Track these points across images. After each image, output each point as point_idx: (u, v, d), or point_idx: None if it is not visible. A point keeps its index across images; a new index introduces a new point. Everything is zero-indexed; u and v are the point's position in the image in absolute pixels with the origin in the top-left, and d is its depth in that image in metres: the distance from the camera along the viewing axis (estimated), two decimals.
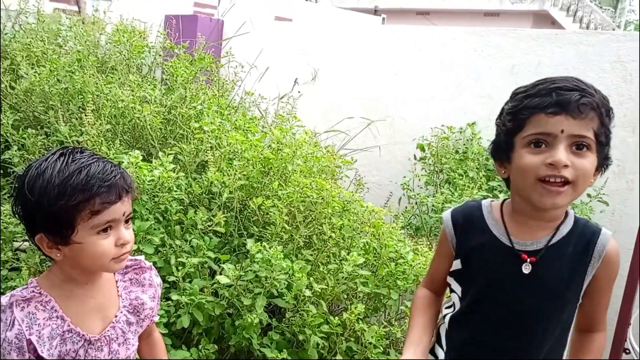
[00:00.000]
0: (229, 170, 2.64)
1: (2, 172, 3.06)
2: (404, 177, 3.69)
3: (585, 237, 1.41)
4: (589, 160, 1.31)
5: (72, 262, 1.30)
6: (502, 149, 1.42)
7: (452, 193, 3.35)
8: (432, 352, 1.61)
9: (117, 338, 1.40)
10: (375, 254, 2.69)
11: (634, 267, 2.66)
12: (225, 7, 5.00)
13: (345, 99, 4.40)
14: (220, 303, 2.31)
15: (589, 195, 3.37)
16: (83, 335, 1.32)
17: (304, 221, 2.66)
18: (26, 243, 2.58)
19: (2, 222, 2.50)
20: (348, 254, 2.55)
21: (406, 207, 3.61)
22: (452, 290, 1.57)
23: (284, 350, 2.37)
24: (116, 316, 1.40)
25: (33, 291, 1.29)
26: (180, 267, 2.34)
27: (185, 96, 3.11)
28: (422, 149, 3.78)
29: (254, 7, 5.76)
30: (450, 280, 1.58)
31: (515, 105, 1.38)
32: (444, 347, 1.58)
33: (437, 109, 4.01)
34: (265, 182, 2.73)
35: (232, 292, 2.32)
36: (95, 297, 1.37)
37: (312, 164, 2.89)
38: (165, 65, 3.35)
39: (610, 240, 1.41)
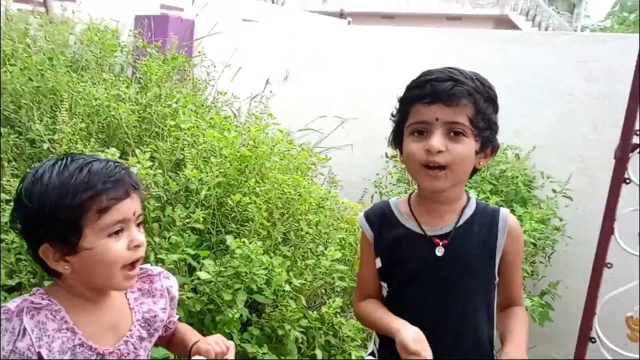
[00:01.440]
0: (206, 168, 2.65)
1: None
2: (377, 174, 3.76)
3: (487, 216, 1.53)
4: (465, 145, 1.40)
5: (82, 274, 1.20)
6: (396, 138, 1.54)
7: None
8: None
9: (128, 354, 1.31)
10: (350, 249, 2.74)
11: (598, 259, 2.77)
12: (194, 8, 5.00)
13: (318, 99, 4.44)
14: (201, 299, 2.32)
15: (554, 191, 3.49)
16: (96, 349, 1.23)
17: (281, 217, 2.69)
18: None
19: None
20: (325, 249, 2.59)
21: None
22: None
23: (265, 345, 2.39)
24: (130, 330, 1.32)
25: (43, 298, 1.18)
26: (159, 264, 2.34)
27: (160, 94, 3.11)
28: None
29: (221, 8, 5.76)
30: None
31: (402, 97, 1.52)
32: (376, 344, 1.64)
33: None
34: (241, 180, 2.75)
35: (212, 288, 2.33)
36: (108, 312, 1.29)
37: (287, 161, 2.93)
38: (139, 63, 3.35)
39: (509, 216, 1.54)
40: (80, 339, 1.20)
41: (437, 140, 1.38)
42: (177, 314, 1.49)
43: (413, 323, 1.51)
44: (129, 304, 1.35)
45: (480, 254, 1.51)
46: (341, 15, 17.27)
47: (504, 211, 1.55)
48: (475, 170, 1.52)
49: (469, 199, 1.56)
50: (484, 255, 1.51)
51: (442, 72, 1.43)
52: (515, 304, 1.58)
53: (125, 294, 1.35)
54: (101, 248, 1.17)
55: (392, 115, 1.55)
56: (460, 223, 1.51)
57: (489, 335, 1.58)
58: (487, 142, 1.46)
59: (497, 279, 1.54)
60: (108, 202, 1.16)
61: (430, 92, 1.41)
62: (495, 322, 1.59)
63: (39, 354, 1.14)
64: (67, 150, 2.64)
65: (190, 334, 1.49)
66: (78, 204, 1.13)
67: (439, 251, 1.49)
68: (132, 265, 1.24)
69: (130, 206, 1.20)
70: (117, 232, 1.18)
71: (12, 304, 1.16)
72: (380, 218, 1.59)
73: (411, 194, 1.60)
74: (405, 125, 1.48)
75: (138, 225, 1.23)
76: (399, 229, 1.54)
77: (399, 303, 1.56)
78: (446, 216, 1.52)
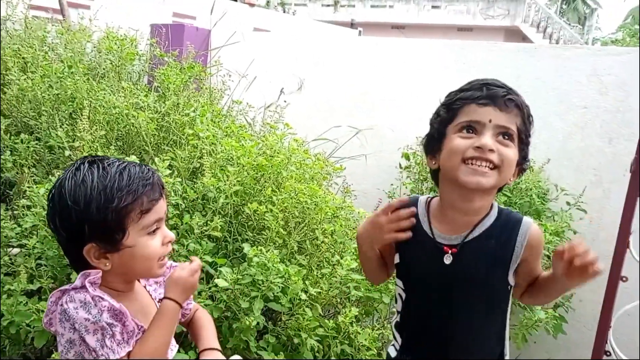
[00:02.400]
0: (224, 176, 2.68)
1: None
2: (391, 184, 3.78)
3: (508, 227, 1.51)
4: (513, 151, 1.44)
5: (121, 269, 1.28)
6: (434, 139, 1.53)
7: None
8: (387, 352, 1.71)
9: None
10: None
11: (613, 272, 2.77)
12: (208, 17, 5.05)
13: (331, 109, 4.48)
14: (218, 306, 2.34)
15: (568, 203, 3.49)
16: (142, 327, 1.31)
17: (297, 226, 2.71)
18: (16, 250, 2.57)
19: None
20: (341, 258, 2.61)
21: None
22: (395, 284, 1.66)
23: (281, 353, 2.41)
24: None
25: (97, 274, 1.26)
26: None
27: (178, 103, 3.15)
28: (407, 158, 3.86)
29: (234, 17, 5.83)
30: (395, 275, 1.67)
31: (449, 99, 1.53)
32: (398, 340, 1.66)
33: (421, 118, 4.11)
34: (258, 188, 2.78)
35: (230, 295, 2.35)
36: (137, 301, 1.38)
37: (303, 170, 2.95)
38: (157, 72, 3.39)
39: (531, 227, 1.51)
40: (130, 318, 1.28)
41: (489, 139, 1.42)
42: (192, 301, 1.56)
43: (419, 328, 1.57)
44: (150, 295, 1.44)
45: (492, 268, 1.49)
46: (352, 25, 17.37)
47: (526, 222, 1.51)
48: (503, 186, 1.53)
49: (491, 208, 1.54)
50: (495, 268, 1.49)
51: (496, 80, 1.49)
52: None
53: (145, 286, 1.44)
54: (142, 245, 1.26)
55: (437, 116, 1.55)
56: (475, 234, 1.50)
57: (498, 352, 1.58)
58: (524, 158, 1.50)
59: (510, 288, 1.53)
60: (149, 204, 1.25)
61: (486, 94, 1.45)
62: (507, 341, 1.59)
63: (120, 309, 1.24)
64: None
65: (204, 332, 1.56)
66: (123, 207, 1.21)
67: (447, 259, 1.50)
68: (164, 259, 1.34)
69: (163, 206, 1.30)
70: (154, 230, 1.28)
71: (60, 292, 1.24)
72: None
73: (434, 197, 1.61)
74: (451, 124, 1.49)
75: (166, 222, 1.34)
76: (416, 229, 1.54)
77: (410, 305, 1.60)
78: (463, 227, 1.51)
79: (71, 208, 1.20)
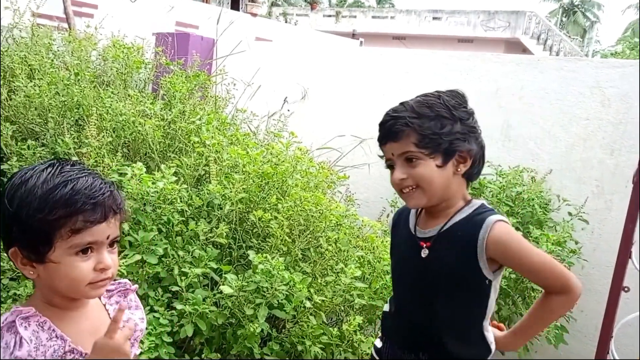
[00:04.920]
0: (229, 184, 2.70)
1: None
2: (394, 193, 3.79)
3: (475, 221, 1.58)
4: (421, 167, 1.56)
5: (47, 282, 1.19)
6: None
7: None
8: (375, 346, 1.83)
9: None
10: (369, 267, 2.77)
11: (615, 282, 2.78)
12: (210, 26, 5.09)
13: (335, 118, 4.50)
14: (223, 313, 2.36)
15: (570, 214, 3.50)
16: (85, 354, 1.21)
17: (301, 234, 2.73)
18: None
19: None
20: (345, 266, 2.62)
21: None
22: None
23: None
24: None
25: (29, 311, 1.17)
26: (183, 278, 2.38)
27: (184, 111, 3.18)
28: None
29: (236, 27, 5.87)
30: None
31: None
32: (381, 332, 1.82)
33: None
34: (263, 196, 2.80)
35: (234, 302, 2.36)
36: (88, 320, 1.28)
37: (307, 179, 2.97)
38: (163, 80, 3.41)
39: (494, 226, 1.55)
40: (70, 345, 1.20)
41: (397, 171, 1.58)
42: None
43: (397, 317, 1.71)
44: (109, 314, 1.34)
45: (460, 260, 1.57)
46: (353, 35, 17.48)
47: (491, 220, 1.56)
48: (469, 176, 1.63)
49: (468, 204, 1.63)
50: (463, 262, 1.56)
51: (388, 113, 1.63)
52: (551, 292, 1.59)
53: (104, 305, 1.35)
54: (67, 264, 1.16)
55: None
56: (445, 227, 1.61)
57: (479, 346, 1.64)
58: (450, 152, 1.57)
59: (489, 283, 1.59)
60: (82, 224, 1.15)
61: (381, 135, 1.62)
62: (475, 341, 1.64)
63: None
64: (94, 164, 2.70)
65: None
66: (53, 220, 1.13)
67: (424, 253, 1.62)
68: (97, 283, 1.22)
69: (105, 230, 1.19)
70: (85, 251, 1.17)
71: (2, 317, 1.15)
72: (399, 216, 1.77)
73: None
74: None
75: (112, 245, 1.22)
76: (405, 229, 1.70)
77: (393, 298, 1.77)
78: (437, 220, 1.63)
79: (4, 206, 1.14)
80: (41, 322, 1.18)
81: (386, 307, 1.82)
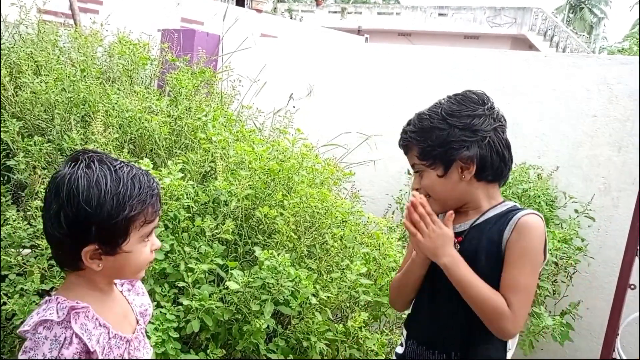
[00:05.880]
0: (235, 180, 2.70)
1: (2, 179, 3.08)
2: (400, 190, 3.79)
3: (506, 216, 1.61)
4: (426, 178, 1.66)
5: (111, 271, 1.29)
6: None
7: None
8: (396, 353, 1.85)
9: (142, 339, 1.43)
10: (375, 263, 2.77)
11: (622, 280, 2.78)
12: (215, 22, 5.09)
13: (341, 114, 4.50)
14: (229, 309, 2.36)
15: (576, 211, 3.50)
16: (125, 337, 1.34)
17: (307, 231, 2.73)
18: (27, 250, 2.60)
19: (10, 227, 2.52)
20: (351, 262, 2.62)
21: (400, 220, 3.70)
22: None
23: (290, 355, 2.42)
24: (137, 320, 1.44)
25: (79, 305, 1.26)
26: (189, 274, 2.38)
27: (190, 107, 3.18)
28: None
29: (241, 23, 5.88)
30: None
31: None
32: (403, 335, 1.83)
33: None
34: (269, 192, 2.80)
35: (240, 298, 2.37)
36: (119, 303, 1.40)
37: (312, 175, 2.97)
38: (169, 77, 3.42)
39: (525, 215, 1.59)
40: (112, 332, 1.30)
41: (414, 182, 1.72)
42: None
43: (424, 316, 1.73)
44: (127, 300, 1.45)
45: (488, 252, 1.59)
46: (359, 32, 17.44)
47: (523, 212, 1.60)
48: (492, 178, 1.66)
49: (501, 204, 1.67)
50: (490, 257, 1.58)
51: (405, 126, 1.73)
52: (503, 307, 1.54)
53: (121, 292, 1.45)
54: (137, 251, 1.29)
55: None
56: (477, 222, 1.64)
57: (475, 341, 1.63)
58: (448, 161, 1.62)
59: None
60: (153, 215, 1.29)
61: (401, 145, 1.75)
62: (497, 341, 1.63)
63: (94, 353, 1.23)
64: None
65: None
66: (132, 215, 1.24)
67: (456, 246, 1.63)
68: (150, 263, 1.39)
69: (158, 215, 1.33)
70: (146, 237, 1.31)
71: (47, 312, 1.22)
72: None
73: None
74: None
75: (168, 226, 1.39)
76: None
77: (420, 297, 1.76)
78: (468, 216, 1.67)
79: (82, 208, 1.20)
80: (86, 312, 1.27)
81: (408, 312, 1.84)
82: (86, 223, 1.21)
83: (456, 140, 1.60)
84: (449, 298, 1.62)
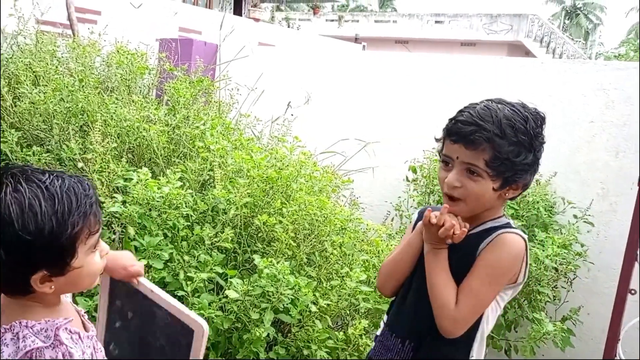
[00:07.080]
0: (234, 188, 2.70)
1: None
2: (399, 197, 3.79)
3: (487, 234, 1.61)
4: (479, 185, 1.54)
5: (64, 288, 1.24)
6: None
7: None
8: None
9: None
10: (375, 270, 2.77)
11: (622, 285, 2.77)
12: (213, 32, 5.11)
13: (339, 122, 4.51)
14: (229, 317, 2.36)
15: (575, 216, 3.50)
16: (90, 335, 1.30)
17: (306, 238, 2.73)
18: None
19: None
20: (351, 270, 2.62)
21: (400, 227, 3.70)
22: None
23: None
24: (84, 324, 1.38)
25: (60, 321, 1.22)
26: (189, 282, 2.38)
27: (188, 116, 3.19)
28: (414, 171, 3.88)
29: (239, 32, 5.91)
30: None
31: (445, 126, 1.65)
32: (383, 320, 1.86)
33: (428, 132, 4.14)
34: (267, 200, 2.80)
35: (240, 306, 2.36)
36: (69, 306, 1.35)
37: (311, 183, 2.98)
38: (167, 86, 3.43)
39: (505, 233, 1.59)
40: (82, 334, 1.26)
41: (453, 176, 1.56)
42: None
43: (400, 304, 1.75)
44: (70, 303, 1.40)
45: (460, 265, 1.59)
46: (356, 40, 17.50)
47: (506, 230, 1.60)
48: (512, 198, 1.64)
49: (497, 219, 1.65)
50: (463, 268, 1.58)
51: (471, 115, 1.55)
52: (451, 307, 1.58)
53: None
54: (88, 264, 1.23)
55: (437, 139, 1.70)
56: (473, 232, 1.61)
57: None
58: (511, 181, 1.56)
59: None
60: (96, 224, 1.21)
61: (455, 132, 1.56)
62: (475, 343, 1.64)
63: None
64: (99, 169, 2.70)
65: None
66: (76, 232, 1.16)
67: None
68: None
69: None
70: (95, 246, 1.25)
71: (27, 342, 1.15)
72: (420, 214, 1.77)
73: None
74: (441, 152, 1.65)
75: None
76: None
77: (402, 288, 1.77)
78: (467, 221, 1.62)
79: (19, 236, 1.10)
80: (66, 325, 1.22)
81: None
82: (28, 251, 1.12)
83: (530, 164, 1.55)
84: (424, 291, 1.63)
